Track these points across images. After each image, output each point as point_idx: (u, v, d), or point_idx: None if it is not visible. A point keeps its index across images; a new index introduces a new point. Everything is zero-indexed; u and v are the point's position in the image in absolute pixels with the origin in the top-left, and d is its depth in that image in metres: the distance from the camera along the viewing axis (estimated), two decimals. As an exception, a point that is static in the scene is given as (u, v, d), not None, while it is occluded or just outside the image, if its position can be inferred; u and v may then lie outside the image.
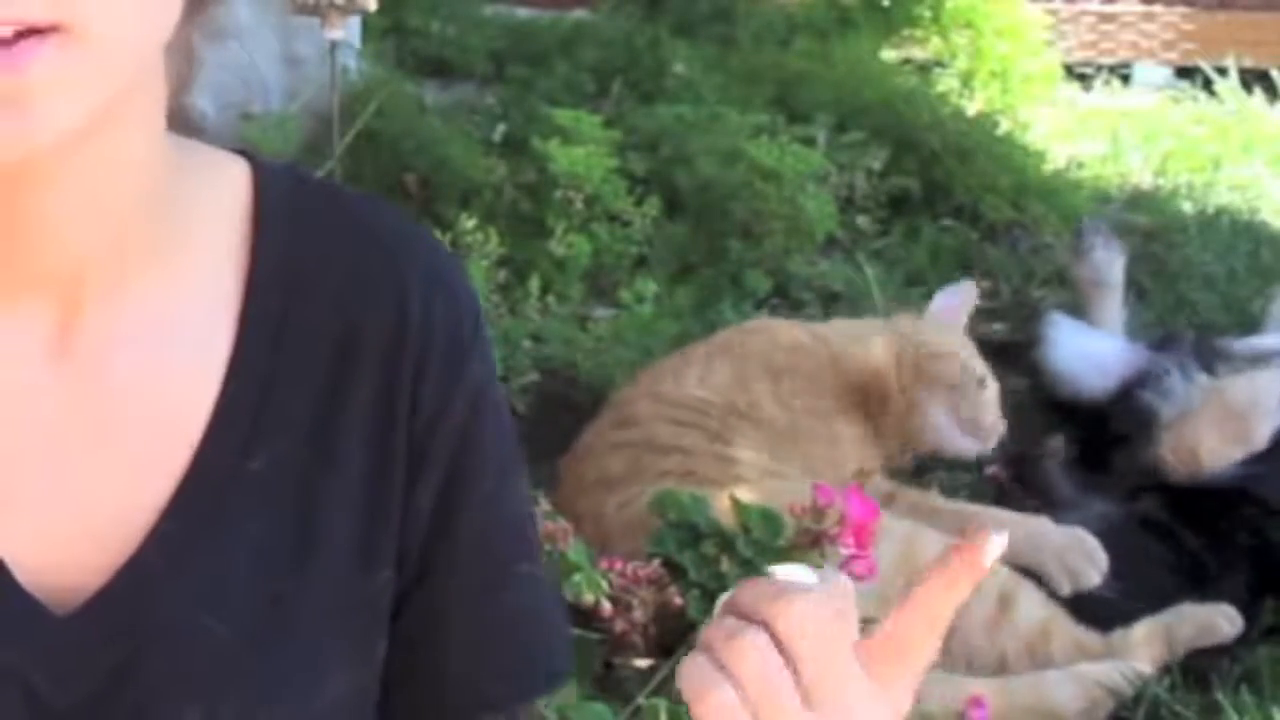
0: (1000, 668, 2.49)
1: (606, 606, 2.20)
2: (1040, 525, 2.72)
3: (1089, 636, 2.56)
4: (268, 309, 0.98)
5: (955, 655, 2.49)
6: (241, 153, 1.03)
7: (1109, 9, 6.26)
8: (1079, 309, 3.65)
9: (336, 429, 0.98)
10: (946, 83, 5.00)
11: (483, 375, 1.03)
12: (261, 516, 0.96)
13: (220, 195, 1.00)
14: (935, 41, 5.13)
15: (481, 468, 1.02)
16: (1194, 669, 2.61)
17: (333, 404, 0.98)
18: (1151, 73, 6.15)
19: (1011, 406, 3.09)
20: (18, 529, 0.93)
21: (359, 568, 0.98)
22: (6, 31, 0.80)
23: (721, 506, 2.34)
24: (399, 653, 1.01)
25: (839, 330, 3.06)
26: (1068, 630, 2.55)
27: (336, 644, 0.97)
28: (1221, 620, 2.62)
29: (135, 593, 0.94)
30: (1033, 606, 2.55)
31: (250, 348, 0.97)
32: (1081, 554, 2.68)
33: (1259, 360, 3.28)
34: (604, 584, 2.20)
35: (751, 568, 2.21)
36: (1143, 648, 2.55)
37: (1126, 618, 2.63)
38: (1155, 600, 2.68)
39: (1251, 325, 3.73)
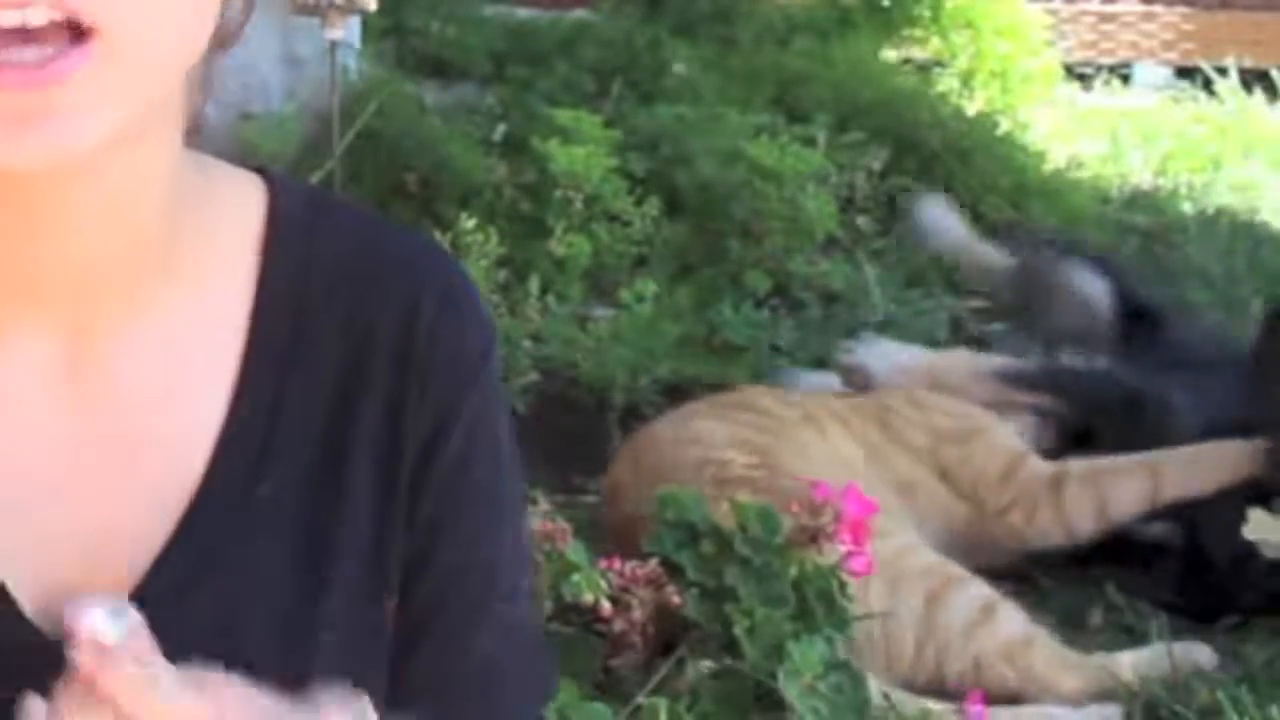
0: (975, 671, 2.49)
1: (605, 606, 2.20)
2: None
3: (1071, 653, 2.56)
4: (276, 330, 0.97)
5: (927, 658, 2.49)
6: (259, 170, 1.02)
7: (1109, 9, 6.27)
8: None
9: (347, 452, 0.97)
10: (946, 83, 5.00)
11: (485, 406, 1.01)
12: (272, 542, 0.95)
13: (235, 215, 0.99)
14: (935, 41, 5.13)
15: (470, 505, 1.01)
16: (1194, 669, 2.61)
17: (343, 426, 0.97)
18: (1151, 73, 6.16)
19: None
20: (24, 553, 0.92)
21: (369, 595, 0.97)
22: (51, 16, 0.81)
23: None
24: None
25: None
26: (1051, 643, 2.55)
27: (347, 672, 0.95)
28: (1200, 657, 2.61)
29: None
30: (1015, 618, 2.56)
31: (257, 369, 0.96)
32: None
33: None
34: (603, 584, 2.20)
35: (749, 566, 2.21)
36: (1124, 672, 2.54)
37: None
38: None
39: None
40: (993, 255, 3.81)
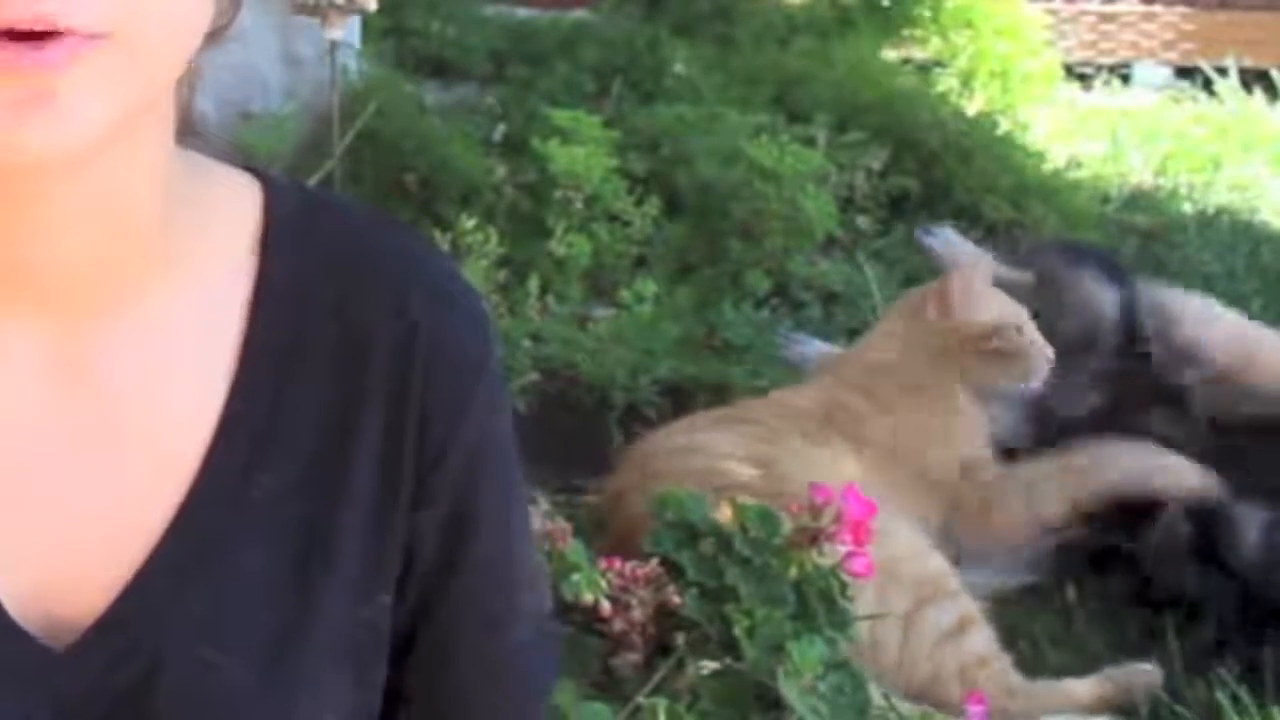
0: (930, 683, 2.52)
1: (605, 606, 2.19)
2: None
3: (1020, 681, 2.59)
4: (274, 331, 0.97)
5: (901, 662, 2.52)
6: (253, 170, 1.02)
7: (1109, 9, 6.27)
8: None
9: (345, 454, 0.97)
10: (946, 83, 5.00)
11: (492, 401, 1.01)
12: (265, 543, 0.95)
13: (229, 214, 0.99)
14: (935, 41, 5.14)
15: (491, 500, 1.02)
16: (1194, 669, 2.61)
17: (342, 428, 0.97)
18: (1151, 73, 6.16)
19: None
20: (14, 554, 0.92)
21: (363, 594, 0.97)
22: (38, 26, 0.80)
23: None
24: (411, 686, 1.02)
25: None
26: (1004, 670, 2.58)
27: (339, 669, 0.97)
28: (1153, 677, 2.62)
29: (135, 621, 0.92)
30: (982, 638, 2.59)
31: (254, 369, 0.96)
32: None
33: None
34: (603, 584, 2.20)
35: (749, 566, 2.21)
36: (1077, 698, 2.56)
37: None
38: None
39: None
40: (1009, 273, 3.74)
